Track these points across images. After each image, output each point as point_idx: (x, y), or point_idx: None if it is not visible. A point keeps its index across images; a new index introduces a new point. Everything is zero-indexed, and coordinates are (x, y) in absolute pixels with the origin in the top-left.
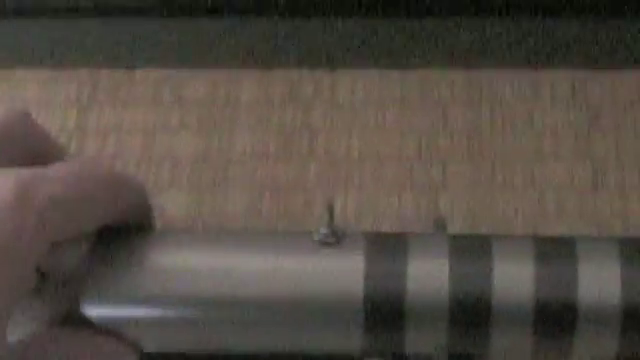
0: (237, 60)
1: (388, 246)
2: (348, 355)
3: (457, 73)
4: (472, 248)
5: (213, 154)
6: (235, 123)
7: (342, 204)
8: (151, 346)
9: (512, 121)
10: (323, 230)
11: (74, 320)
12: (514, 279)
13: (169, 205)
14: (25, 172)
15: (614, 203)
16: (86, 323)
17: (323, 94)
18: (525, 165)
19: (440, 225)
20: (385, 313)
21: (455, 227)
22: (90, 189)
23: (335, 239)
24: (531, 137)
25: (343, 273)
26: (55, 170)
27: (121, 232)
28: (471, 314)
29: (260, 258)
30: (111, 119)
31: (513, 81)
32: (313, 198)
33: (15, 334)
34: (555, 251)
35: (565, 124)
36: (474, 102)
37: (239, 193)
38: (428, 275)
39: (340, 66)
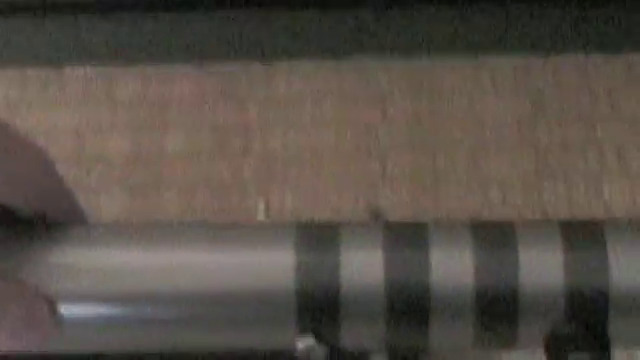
0: (169, 56)
1: (319, 236)
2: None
3: (396, 62)
4: (408, 236)
5: (145, 154)
6: (168, 121)
7: (279, 201)
8: (71, 346)
9: (453, 111)
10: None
11: None
12: (453, 267)
13: (101, 207)
14: None
15: (559, 191)
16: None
17: (258, 89)
18: (468, 155)
19: (376, 215)
20: (319, 306)
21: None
22: None
23: (265, 227)
24: (473, 126)
25: (273, 265)
26: None
27: (25, 223)
28: (409, 305)
29: (186, 251)
30: (40, 119)
31: (453, 70)
32: (249, 196)
33: None
34: (494, 237)
35: (508, 112)
36: (414, 92)
37: (173, 193)
38: (362, 265)
39: (275, 59)
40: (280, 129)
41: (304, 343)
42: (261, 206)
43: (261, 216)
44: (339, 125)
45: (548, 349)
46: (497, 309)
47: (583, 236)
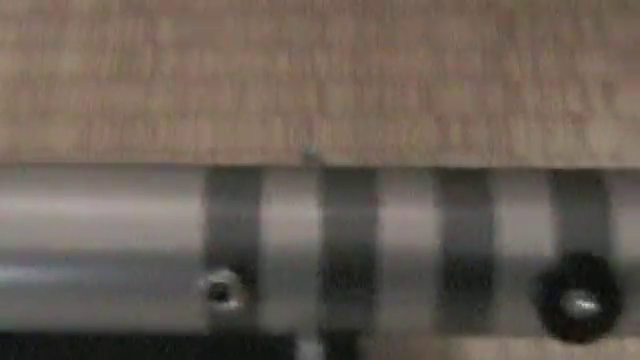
0: None
1: (235, 183)
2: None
3: None
4: (351, 185)
5: (35, 77)
6: (63, 39)
7: (192, 136)
8: None
9: (407, 35)
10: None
11: None
12: (409, 225)
13: None
14: None
15: (532, 131)
16: None
17: (171, 1)
18: (422, 88)
19: (311, 158)
20: (232, 272)
21: (334, 161)
22: None
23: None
24: (430, 55)
25: (177, 219)
26: None
27: None
28: (349, 273)
29: (77, 199)
30: None
31: None
32: (158, 128)
33: None
34: (465, 189)
35: (473, 39)
36: (359, 10)
37: (65, 123)
38: (290, 221)
39: None
40: (196, 49)
41: (217, 278)
42: None
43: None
44: (268, 46)
45: (537, 298)
46: (466, 279)
47: (578, 190)
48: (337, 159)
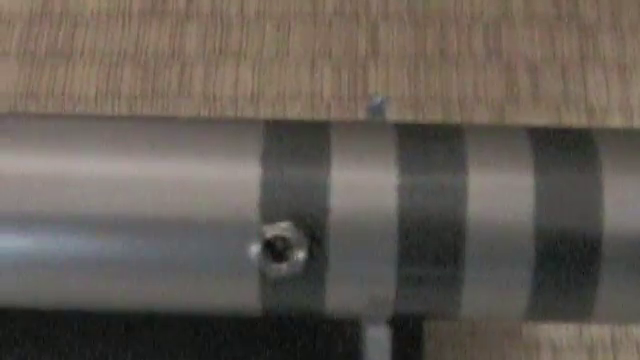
0: None
1: (300, 141)
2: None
3: None
4: (434, 146)
5: (55, 13)
6: None
7: (233, 80)
8: None
9: None
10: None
11: None
12: (502, 193)
13: None
14: None
15: (611, 83)
16: None
17: None
18: (488, 30)
19: (377, 110)
20: (296, 241)
21: (392, 115)
22: None
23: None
24: None
25: (234, 182)
26: None
27: None
28: (432, 244)
29: (115, 158)
30: None
31: None
32: (192, 72)
33: None
34: (564, 151)
35: None
36: None
37: (90, 66)
38: (365, 186)
39: None
40: None
41: (273, 230)
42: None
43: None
44: None
45: None
46: (568, 257)
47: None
48: (393, 110)
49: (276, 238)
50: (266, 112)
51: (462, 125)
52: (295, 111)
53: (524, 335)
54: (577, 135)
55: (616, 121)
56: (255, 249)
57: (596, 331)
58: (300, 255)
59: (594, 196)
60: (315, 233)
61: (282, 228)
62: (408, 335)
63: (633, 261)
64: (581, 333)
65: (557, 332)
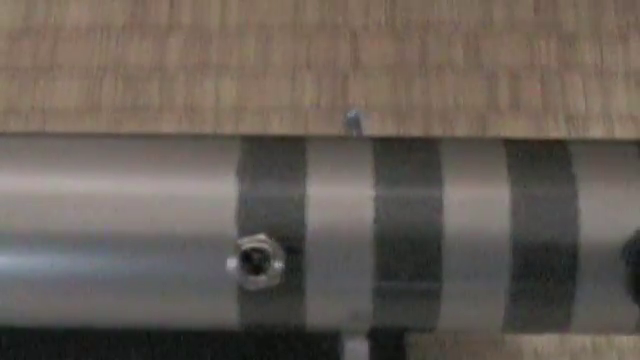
0: None
1: (277, 156)
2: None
3: None
4: (410, 159)
5: (37, 29)
6: None
7: (215, 92)
8: None
9: None
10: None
11: None
12: (479, 205)
13: None
14: None
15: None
16: None
17: None
18: (468, 39)
19: (353, 122)
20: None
21: (370, 128)
22: None
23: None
24: (476, 2)
25: (212, 197)
26: None
27: None
28: (409, 258)
29: (93, 175)
30: None
31: None
32: (174, 85)
33: None
34: (540, 162)
35: None
36: None
37: (72, 80)
38: (339, 200)
39: None
40: None
41: (250, 243)
42: None
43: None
44: None
45: (636, 268)
46: (545, 266)
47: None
48: (374, 121)
49: (253, 250)
50: (248, 124)
51: (438, 138)
52: (277, 123)
53: (507, 343)
54: (552, 146)
55: (596, 129)
56: (232, 262)
57: (578, 337)
58: (277, 267)
59: (570, 207)
60: (292, 245)
61: (259, 240)
62: (390, 346)
63: (609, 272)
64: (562, 340)
65: (539, 339)
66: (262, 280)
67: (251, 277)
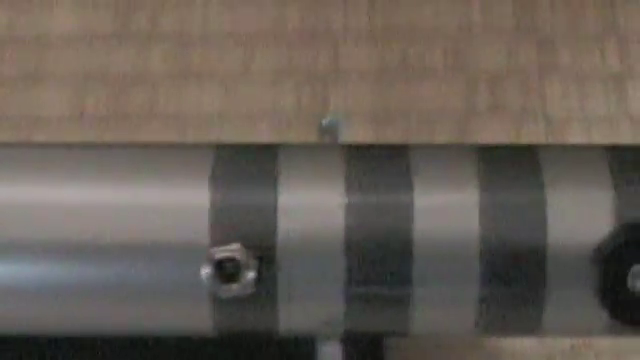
0: None
1: (248, 163)
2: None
3: None
4: (380, 166)
5: (22, 37)
6: None
7: (196, 100)
8: None
9: None
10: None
11: None
12: (448, 211)
13: None
14: None
15: (569, 93)
16: None
17: None
18: (448, 44)
19: (329, 129)
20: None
21: (352, 133)
22: None
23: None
24: (456, 6)
25: (182, 205)
26: None
27: None
28: (379, 264)
29: (71, 185)
30: None
31: None
32: (157, 92)
33: None
34: (509, 168)
35: None
36: None
37: (56, 89)
38: (310, 207)
39: None
40: (198, 5)
41: (222, 252)
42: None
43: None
44: (277, 0)
45: (598, 280)
46: (514, 270)
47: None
48: (354, 126)
49: (226, 259)
50: (231, 131)
51: (409, 145)
52: (259, 129)
53: (487, 346)
54: (522, 152)
55: (574, 132)
56: (205, 271)
57: (557, 339)
58: (250, 276)
59: (538, 212)
60: (264, 254)
61: (231, 250)
62: (369, 350)
63: (577, 275)
64: (541, 342)
65: (519, 341)
66: (235, 288)
67: (224, 286)
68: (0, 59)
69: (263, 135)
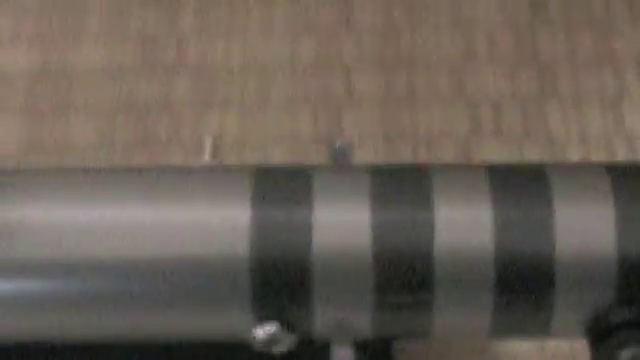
0: None
1: (285, 185)
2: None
3: None
4: (403, 185)
5: (55, 70)
6: (84, 31)
7: (219, 128)
8: None
9: (434, 16)
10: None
11: None
12: (466, 228)
13: None
14: None
15: (568, 116)
16: None
17: None
18: (453, 72)
19: (341, 153)
20: (282, 280)
21: (364, 154)
22: None
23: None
24: (460, 37)
25: (224, 225)
26: None
27: None
28: (405, 276)
29: (118, 206)
30: None
31: None
32: (181, 121)
33: None
34: (521, 187)
35: (503, 19)
36: None
37: (87, 118)
38: (342, 225)
39: None
40: (221, 39)
41: (265, 331)
42: (207, 142)
43: (207, 155)
44: (293, 34)
45: (592, 343)
46: (525, 281)
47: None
48: (366, 147)
49: (266, 337)
50: (250, 155)
51: (428, 165)
52: (277, 153)
53: (490, 350)
54: (531, 170)
55: (574, 153)
56: (252, 336)
57: (556, 344)
58: (288, 340)
59: (547, 226)
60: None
61: (270, 328)
62: (379, 354)
63: (584, 282)
64: (542, 346)
65: (519, 346)
66: (275, 349)
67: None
68: (34, 92)
69: (281, 158)
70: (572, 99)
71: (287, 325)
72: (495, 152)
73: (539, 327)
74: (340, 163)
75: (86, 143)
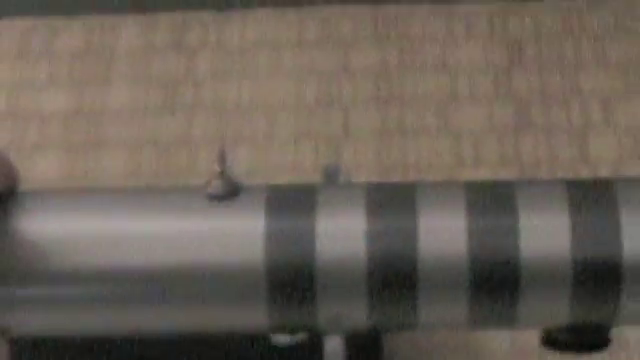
0: (114, 5)
1: (293, 199)
2: (255, 332)
3: (361, 9)
4: (393, 199)
5: (87, 110)
6: (112, 75)
7: (231, 160)
8: (22, 329)
9: (423, 61)
10: (216, 182)
11: None
12: (444, 235)
13: (38, 167)
14: None
15: (539, 147)
16: None
17: (209, 38)
18: (439, 109)
19: (331, 174)
20: (292, 280)
21: (361, 180)
22: None
23: (230, 190)
24: (445, 78)
25: (240, 233)
26: None
27: None
28: (394, 277)
29: (142, 220)
30: None
31: (424, 17)
32: (199, 154)
33: None
34: (491, 200)
35: (483, 62)
36: (380, 41)
37: (117, 152)
38: (341, 233)
39: (228, 7)
40: (234, 81)
41: (281, 340)
42: (217, 156)
43: (218, 167)
44: (298, 76)
45: (544, 343)
46: (495, 281)
47: (592, 198)
48: (362, 175)
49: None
50: (259, 183)
51: (415, 182)
52: (282, 182)
53: (470, 345)
54: (499, 186)
55: (544, 177)
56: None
57: (527, 337)
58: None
59: (513, 233)
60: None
61: (285, 339)
62: (368, 345)
63: (544, 281)
64: (513, 340)
65: (496, 342)
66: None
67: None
68: (69, 129)
69: None
70: (543, 130)
71: (296, 322)
72: (475, 177)
73: (508, 320)
74: (333, 182)
75: (116, 173)
